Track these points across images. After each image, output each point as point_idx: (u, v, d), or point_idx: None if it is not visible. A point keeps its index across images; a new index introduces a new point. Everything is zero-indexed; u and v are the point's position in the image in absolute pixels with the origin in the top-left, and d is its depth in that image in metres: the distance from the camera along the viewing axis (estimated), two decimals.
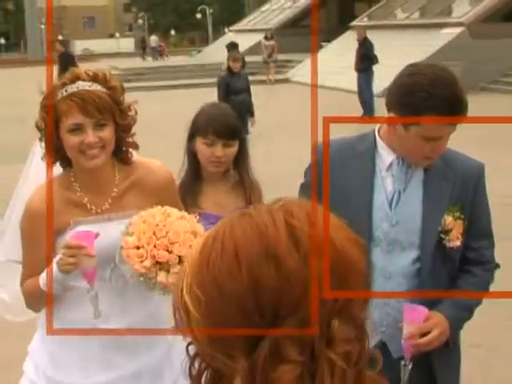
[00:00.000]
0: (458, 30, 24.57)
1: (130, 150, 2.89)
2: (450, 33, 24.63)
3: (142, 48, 53.81)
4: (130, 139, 2.87)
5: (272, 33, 31.28)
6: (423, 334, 2.71)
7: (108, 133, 2.75)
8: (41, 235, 2.78)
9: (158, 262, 2.55)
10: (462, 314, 2.87)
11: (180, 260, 2.55)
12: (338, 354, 1.07)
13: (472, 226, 2.86)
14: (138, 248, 2.56)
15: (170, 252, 2.55)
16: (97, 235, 2.67)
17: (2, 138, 17.36)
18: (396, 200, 2.83)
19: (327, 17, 42.41)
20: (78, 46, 57.12)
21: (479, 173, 2.90)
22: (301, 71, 29.25)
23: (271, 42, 29.93)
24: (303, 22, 41.83)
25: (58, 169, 2.90)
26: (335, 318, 1.08)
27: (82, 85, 2.72)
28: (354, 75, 20.24)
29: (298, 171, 3.29)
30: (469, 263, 2.90)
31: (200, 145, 3.35)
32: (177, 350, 3.00)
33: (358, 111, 19.09)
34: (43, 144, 2.81)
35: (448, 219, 2.81)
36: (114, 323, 2.86)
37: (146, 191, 2.88)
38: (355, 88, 19.98)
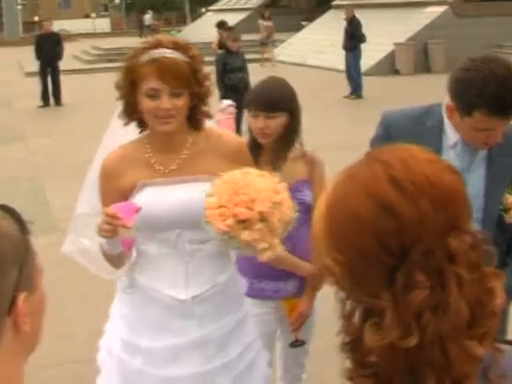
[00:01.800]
0: (441, 9, 24.70)
1: (204, 118, 2.95)
2: (434, 11, 24.76)
3: (139, 27, 53.64)
4: (204, 108, 2.93)
5: (269, 13, 30.95)
6: None
7: (183, 101, 2.80)
8: (110, 193, 2.87)
9: (240, 221, 2.58)
10: None
11: (262, 217, 2.59)
12: (460, 267, 1.24)
13: None
14: (219, 208, 2.60)
15: (251, 210, 2.59)
16: (138, 209, 2.73)
17: None
18: None
19: None
20: (54, 27, 56.47)
21: None
22: (284, 50, 29.29)
23: (270, 23, 29.58)
24: (283, 2, 41.86)
25: (132, 133, 2.99)
26: (450, 236, 1.25)
27: (164, 51, 2.77)
28: (336, 54, 20.37)
29: None
30: None
31: (249, 118, 3.50)
32: (247, 326, 3.10)
33: (344, 89, 19.21)
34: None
35: (510, 198, 2.93)
36: (181, 293, 2.93)
37: (217, 157, 2.92)
38: (338, 66, 20.16)
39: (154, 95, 2.77)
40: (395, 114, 3.15)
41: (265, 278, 3.55)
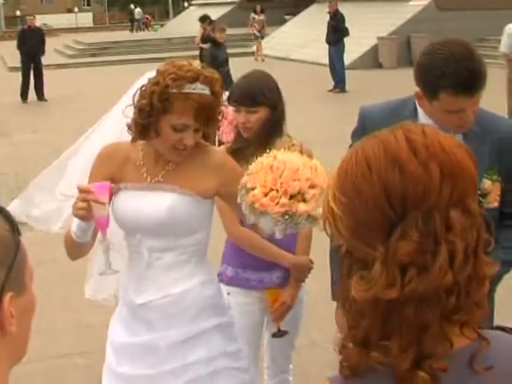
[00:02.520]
0: (424, 2, 24.76)
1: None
2: (416, 5, 24.82)
3: (130, 20, 53.55)
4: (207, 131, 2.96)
5: (262, 7, 30.45)
6: None
7: (200, 135, 2.87)
8: (100, 175, 2.91)
9: (292, 195, 2.59)
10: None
11: (311, 183, 2.61)
12: (456, 238, 1.28)
13: (508, 185, 2.99)
14: (266, 195, 2.59)
15: (298, 181, 2.60)
16: (111, 187, 2.82)
17: None
18: None
19: None
20: (37, 21, 56.19)
21: None
22: (268, 44, 29.27)
23: (261, 17, 29.21)
24: None
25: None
26: (452, 208, 1.29)
27: (200, 87, 2.77)
28: (319, 48, 20.39)
29: None
30: (506, 217, 3.05)
31: (233, 112, 3.53)
32: (217, 337, 3.06)
33: (328, 83, 19.25)
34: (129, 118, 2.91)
35: (486, 183, 2.94)
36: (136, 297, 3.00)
37: (203, 169, 2.94)
38: (321, 60, 20.17)
39: (181, 130, 2.79)
40: (372, 107, 3.20)
41: (249, 267, 3.58)
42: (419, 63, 2.85)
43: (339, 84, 19.14)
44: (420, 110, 2.97)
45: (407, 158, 1.30)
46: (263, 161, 2.68)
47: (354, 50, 22.54)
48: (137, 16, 52.71)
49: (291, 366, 3.98)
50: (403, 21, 24.40)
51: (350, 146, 3.09)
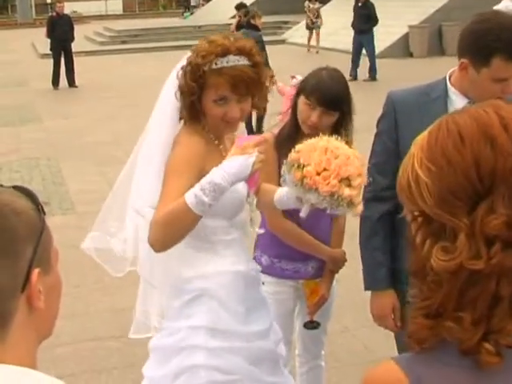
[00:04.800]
0: None
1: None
2: None
3: (185, 7, 53.28)
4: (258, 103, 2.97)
5: None
6: None
7: (248, 105, 2.88)
8: (196, 168, 2.77)
9: (342, 179, 2.74)
10: None
11: (358, 172, 2.79)
12: None
13: None
14: (319, 173, 2.73)
15: (349, 166, 2.76)
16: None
17: (7, 101, 17.31)
18: None
19: None
20: (66, 9, 56.57)
21: None
22: (298, 32, 29.17)
23: (316, 5, 26.25)
24: None
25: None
26: None
27: (233, 59, 2.78)
28: (349, 36, 20.24)
29: None
30: None
31: (302, 104, 3.45)
32: None
33: (360, 71, 19.16)
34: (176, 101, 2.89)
35: None
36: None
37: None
38: (351, 49, 19.96)
39: (222, 102, 2.81)
40: (401, 91, 3.24)
41: (285, 258, 3.60)
42: (470, 30, 2.91)
43: (372, 72, 19.06)
44: (451, 89, 3.04)
45: (499, 133, 1.32)
46: (317, 142, 2.81)
47: (384, 38, 22.42)
48: (192, 2, 52.24)
49: (323, 352, 4.00)
50: (434, 9, 24.18)
51: (377, 134, 3.17)
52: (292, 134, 3.44)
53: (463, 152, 1.32)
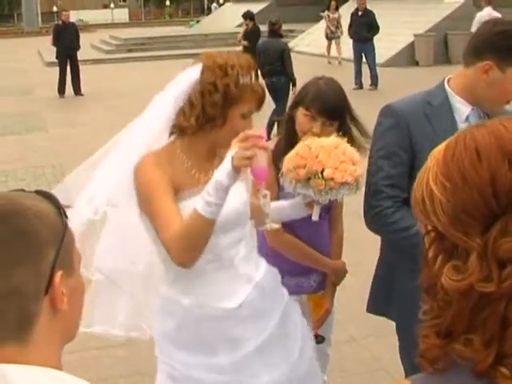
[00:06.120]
0: (462, 0, 24.57)
1: None
2: (454, 2, 24.62)
3: (208, 15, 53.19)
4: None
5: (337, 3, 25.49)
6: None
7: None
8: (166, 182, 2.77)
9: (353, 163, 2.94)
10: None
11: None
12: None
13: None
14: (336, 169, 2.86)
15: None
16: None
17: (13, 109, 17.35)
18: None
19: None
20: (73, 17, 56.77)
21: None
22: (304, 41, 29.23)
23: (336, 15, 24.77)
24: None
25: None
26: None
27: (253, 77, 2.90)
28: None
29: None
30: None
31: (301, 116, 3.39)
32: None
33: (365, 79, 19.16)
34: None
35: None
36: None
37: None
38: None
39: (247, 117, 2.87)
40: (399, 102, 3.15)
41: (287, 273, 3.53)
42: (497, 31, 2.93)
43: (375, 81, 19.05)
44: (454, 96, 3.04)
45: None
46: (309, 148, 2.91)
47: (390, 47, 22.45)
48: (213, 11, 52.25)
49: (328, 366, 3.92)
50: (440, 18, 24.21)
51: (380, 148, 3.12)
52: (289, 148, 3.40)
53: (479, 169, 1.29)
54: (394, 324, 3.27)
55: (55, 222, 1.35)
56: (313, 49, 27.03)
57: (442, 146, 1.38)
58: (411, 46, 23.96)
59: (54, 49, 20.14)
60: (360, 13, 19.59)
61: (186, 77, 2.89)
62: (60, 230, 1.35)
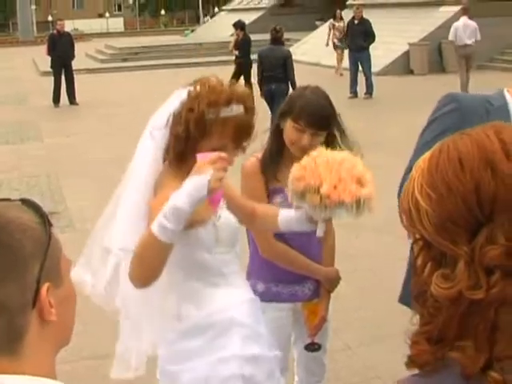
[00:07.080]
0: (456, 8, 24.60)
1: None
2: (448, 11, 24.68)
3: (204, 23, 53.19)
4: None
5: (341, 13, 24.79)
6: None
7: (238, 151, 2.89)
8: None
9: (356, 182, 2.72)
10: None
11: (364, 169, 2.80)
12: None
13: None
14: (335, 187, 2.68)
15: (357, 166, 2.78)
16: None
17: (7, 118, 17.35)
18: None
19: None
20: (68, 26, 56.89)
21: None
22: (299, 50, 29.27)
23: (342, 24, 23.54)
24: (296, 1, 41.81)
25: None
26: None
27: (236, 109, 2.76)
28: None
29: None
30: None
31: (290, 127, 3.35)
32: None
33: (360, 88, 19.19)
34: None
35: None
36: None
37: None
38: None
39: (221, 150, 2.70)
40: (462, 94, 3.17)
41: (282, 281, 3.53)
42: None
43: (370, 89, 19.08)
44: None
45: (500, 159, 1.30)
46: (313, 160, 2.78)
47: (385, 55, 22.48)
48: (205, 22, 52.32)
49: (325, 375, 3.89)
50: (434, 27, 24.28)
51: (436, 133, 3.09)
52: (276, 158, 3.36)
53: (463, 178, 1.30)
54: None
55: (39, 234, 1.33)
56: (308, 57, 27.08)
57: (426, 156, 1.39)
58: (406, 54, 24.02)
59: (49, 58, 20.16)
60: (356, 21, 19.62)
61: (170, 105, 2.86)
62: (44, 242, 1.33)
